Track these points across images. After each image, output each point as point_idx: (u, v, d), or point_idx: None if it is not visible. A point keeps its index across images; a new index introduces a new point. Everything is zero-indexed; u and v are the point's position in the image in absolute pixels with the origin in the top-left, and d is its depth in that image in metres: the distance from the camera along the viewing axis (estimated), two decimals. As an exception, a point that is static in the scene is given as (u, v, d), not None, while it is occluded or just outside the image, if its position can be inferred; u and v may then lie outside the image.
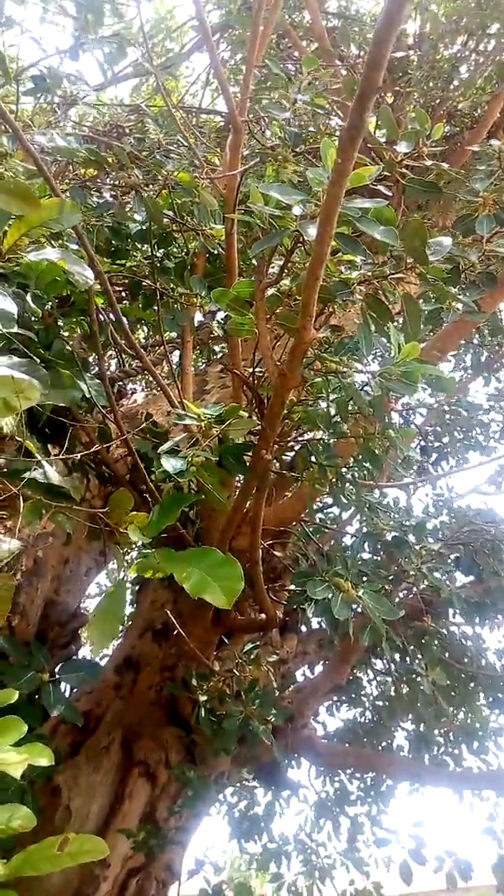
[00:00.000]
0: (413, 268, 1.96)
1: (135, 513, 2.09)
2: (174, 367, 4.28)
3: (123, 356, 6.37)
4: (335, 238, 1.68)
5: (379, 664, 6.34)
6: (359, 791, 6.39)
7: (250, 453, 2.24)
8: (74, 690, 4.31)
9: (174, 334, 5.21)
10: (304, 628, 5.56)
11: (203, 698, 3.10)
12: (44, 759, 1.56)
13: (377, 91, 1.10)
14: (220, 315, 6.38)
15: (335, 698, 6.28)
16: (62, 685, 2.84)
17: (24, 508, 1.88)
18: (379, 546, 3.65)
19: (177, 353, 5.71)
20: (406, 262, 2.01)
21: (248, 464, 2.29)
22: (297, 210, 1.78)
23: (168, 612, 3.91)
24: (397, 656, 5.33)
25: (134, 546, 2.19)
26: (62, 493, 2.05)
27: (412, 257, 1.88)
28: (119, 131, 4.05)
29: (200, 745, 3.83)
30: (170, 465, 1.98)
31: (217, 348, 6.88)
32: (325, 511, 5.62)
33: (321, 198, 1.70)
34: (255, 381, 2.29)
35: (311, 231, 1.62)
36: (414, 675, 5.39)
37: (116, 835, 3.68)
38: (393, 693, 5.94)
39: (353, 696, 6.30)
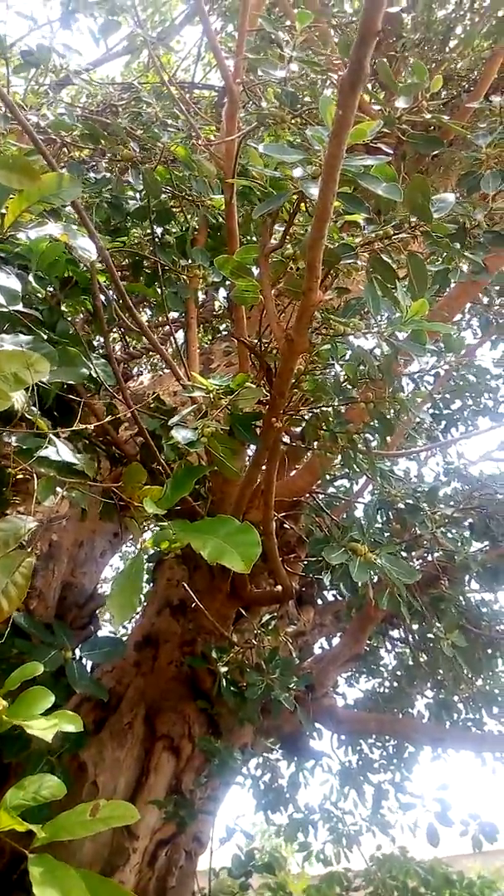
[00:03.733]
0: (417, 226, 1.94)
1: (148, 486, 2.09)
2: (179, 345, 4.27)
3: (127, 339, 6.36)
4: (338, 197, 1.66)
5: (396, 634, 6.39)
6: (381, 759, 6.46)
7: (260, 422, 2.24)
8: (94, 671, 4.36)
9: (177, 313, 5.19)
10: (319, 601, 5.60)
11: (224, 670, 3.12)
12: (72, 725, 1.59)
13: (376, 35, 1.08)
14: (224, 293, 6.36)
15: (353, 669, 6.34)
16: (85, 663, 2.87)
17: (38, 485, 1.89)
18: (392, 514, 3.65)
19: (181, 333, 5.70)
20: (410, 222, 1.99)
21: (258, 433, 2.29)
22: (297, 172, 1.76)
23: (185, 588, 3.93)
24: (415, 626, 5.36)
25: (148, 523, 2.20)
26: (75, 469, 2.06)
27: (416, 215, 1.85)
28: (112, 109, 4.01)
29: (223, 718, 3.88)
30: (181, 435, 1.98)
31: (221, 327, 6.86)
32: (335, 484, 5.62)
33: (322, 156, 1.68)
34: (263, 350, 2.28)
35: (313, 190, 1.60)
36: (432, 643, 5.44)
37: (144, 808, 3.74)
38: (411, 662, 5.99)
39: (372, 666, 6.35)
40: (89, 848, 3.60)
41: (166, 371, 6.89)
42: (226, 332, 6.72)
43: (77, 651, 2.89)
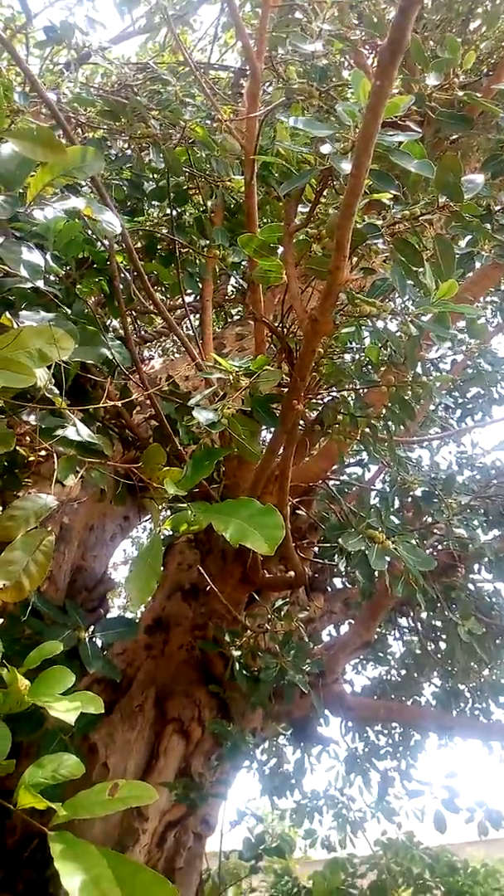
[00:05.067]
0: (446, 206, 1.90)
1: (168, 468, 2.08)
2: (194, 329, 4.24)
3: (139, 322, 6.32)
4: (368, 175, 1.62)
5: (404, 622, 6.38)
6: (387, 746, 6.48)
7: (280, 405, 2.21)
8: (105, 653, 4.38)
9: (191, 297, 5.15)
10: (329, 588, 5.59)
11: (237, 654, 3.12)
12: (93, 706, 1.58)
13: (420, 3, 1.04)
14: (235, 279, 6.32)
15: (361, 656, 6.34)
16: (98, 643, 2.87)
17: (59, 464, 1.88)
18: (407, 501, 3.62)
19: (195, 317, 5.66)
20: (438, 202, 1.95)
21: (277, 416, 2.26)
22: (325, 148, 1.72)
23: (198, 571, 3.93)
24: (423, 614, 5.35)
25: (166, 505, 2.18)
26: (95, 449, 2.05)
27: (445, 194, 1.82)
28: (128, 89, 3.96)
29: (234, 702, 3.88)
30: (202, 416, 1.96)
31: (234, 312, 6.82)
32: (347, 471, 5.60)
33: (353, 132, 1.64)
34: (283, 331, 2.25)
35: (346, 165, 1.56)
36: (441, 632, 5.43)
37: (155, 789, 3.76)
38: (419, 650, 5.99)
39: (380, 654, 6.35)
40: (100, 828, 3.62)
41: (178, 355, 6.86)
42: (238, 317, 6.68)
43: (90, 631, 2.89)
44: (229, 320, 6.66)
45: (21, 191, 1.92)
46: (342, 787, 6.35)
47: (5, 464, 2.44)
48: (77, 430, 2.03)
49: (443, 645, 5.52)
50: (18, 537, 1.66)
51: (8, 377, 1.39)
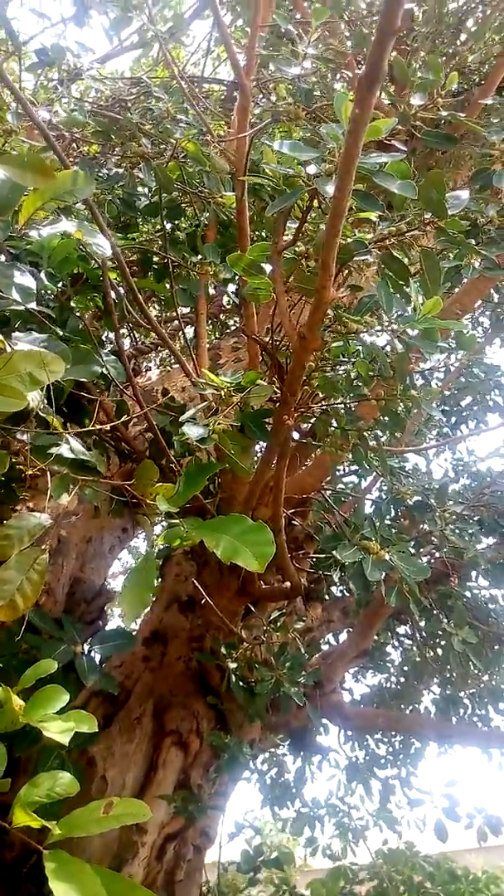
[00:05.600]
0: (431, 223, 1.93)
1: (160, 484, 2.10)
2: (189, 341, 4.27)
3: (136, 334, 6.35)
4: (352, 195, 1.66)
5: (402, 630, 6.39)
6: (387, 755, 6.47)
7: (271, 420, 2.23)
8: (103, 665, 4.39)
9: (187, 309, 5.18)
10: (327, 597, 5.60)
11: (233, 665, 3.13)
12: (86, 725, 1.60)
13: (395, 34, 1.07)
14: (233, 288, 6.37)
15: (360, 665, 6.34)
16: (96, 657, 2.89)
17: (52, 482, 1.90)
18: (401, 511, 3.64)
19: (190, 329, 5.69)
20: (424, 218, 1.98)
21: (269, 431, 2.29)
22: (311, 169, 1.75)
23: (194, 583, 3.95)
24: (422, 622, 5.36)
25: (159, 519, 2.20)
26: (88, 466, 2.07)
27: (430, 211, 1.85)
28: (122, 105, 4.00)
29: (231, 713, 3.89)
30: (192, 432, 1.99)
31: (230, 322, 6.86)
32: (343, 481, 5.62)
33: (337, 154, 1.67)
34: (274, 347, 2.28)
35: (329, 188, 1.59)
36: (439, 639, 5.44)
37: (152, 802, 3.76)
38: (418, 658, 5.99)
39: (380, 662, 6.35)
40: (98, 842, 3.62)
41: (174, 366, 6.89)
42: (234, 328, 6.72)
43: (87, 645, 2.90)
44: (226, 331, 6.70)
45: (14, 212, 1.96)
46: (343, 796, 6.33)
47: (2, 479, 2.46)
48: (70, 448, 2.06)
49: (441, 652, 5.53)
50: (13, 557, 1.68)
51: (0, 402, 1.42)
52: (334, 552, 2.59)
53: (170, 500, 2.00)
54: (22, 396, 1.47)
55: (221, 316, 6.95)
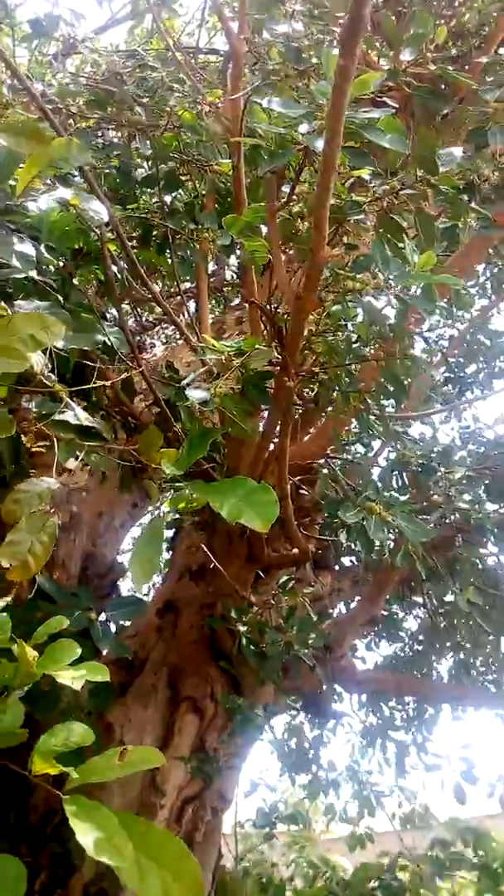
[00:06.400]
0: (424, 180, 1.94)
1: (165, 449, 2.14)
2: (192, 314, 4.29)
3: (140, 310, 6.37)
4: (343, 152, 1.67)
5: (415, 599, 6.43)
6: (402, 722, 6.54)
7: (272, 382, 2.26)
8: (117, 636, 4.47)
9: (189, 284, 5.19)
10: (337, 567, 5.66)
11: (244, 629, 3.20)
12: (99, 675, 1.66)
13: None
14: (234, 262, 6.37)
15: (373, 634, 6.41)
16: (111, 626, 2.95)
17: (59, 447, 1.94)
18: (407, 476, 3.68)
19: (192, 304, 5.70)
20: (416, 175, 1.99)
21: (270, 394, 2.32)
22: (303, 128, 1.76)
23: (204, 551, 4.01)
24: (431, 590, 5.40)
25: (167, 486, 2.24)
26: (94, 432, 2.11)
27: (422, 168, 1.85)
28: (118, 78, 3.98)
29: (245, 678, 3.97)
30: (195, 395, 2.02)
31: (234, 298, 6.86)
32: (351, 450, 5.64)
33: (326, 110, 1.68)
34: (274, 312, 2.30)
35: (319, 143, 1.60)
36: (450, 606, 5.48)
37: (170, 765, 3.86)
38: (430, 626, 6.04)
39: (392, 631, 6.41)
40: (117, 804, 3.72)
41: (178, 342, 6.91)
42: (237, 302, 6.73)
43: (102, 614, 2.97)
44: (229, 306, 6.70)
45: (12, 184, 1.98)
46: (358, 759, 6.41)
47: (13, 452, 2.50)
48: (75, 414, 2.10)
49: (454, 620, 5.58)
50: (23, 519, 1.73)
51: (2, 363, 1.46)
52: (338, 514, 2.63)
53: (175, 464, 2.04)
54: (24, 357, 1.51)
55: (224, 291, 6.94)
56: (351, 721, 6.01)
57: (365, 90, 1.67)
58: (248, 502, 1.79)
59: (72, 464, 2.20)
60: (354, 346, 2.33)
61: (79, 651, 1.67)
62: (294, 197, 2.13)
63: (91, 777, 1.65)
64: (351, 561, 5.70)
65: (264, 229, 2.16)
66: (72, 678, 1.56)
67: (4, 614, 1.72)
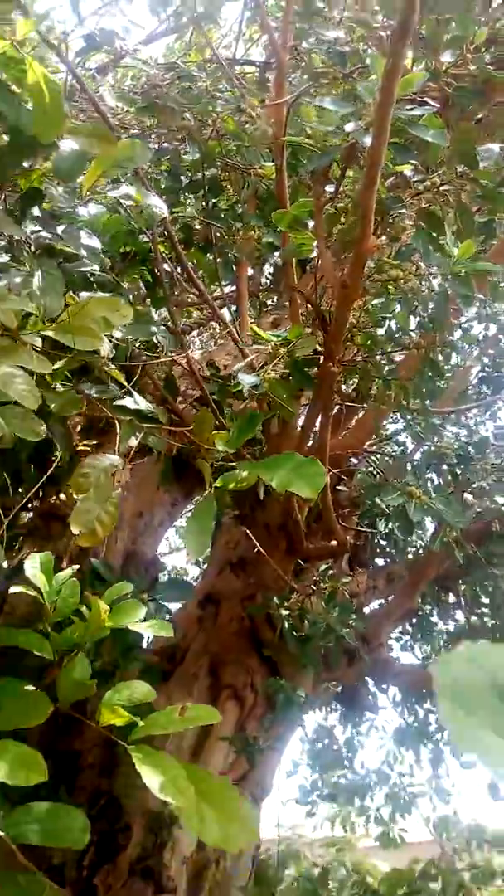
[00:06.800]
0: (464, 175, 2.05)
1: (216, 431, 2.27)
2: (232, 313, 4.44)
3: (176, 318, 6.51)
4: (388, 147, 1.79)
5: (451, 598, 6.45)
6: (437, 723, 6.55)
7: (317, 370, 2.38)
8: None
9: (229, 288, 5.35)
10: (371, 566, 5.73)
11: (285, 613, 3.31)
12: (164, 631, 1.79)
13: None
14: (269, 269, 6.54)
15: (409, 635, 6.44)
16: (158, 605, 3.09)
17: (121, 428, 2.09)
18: (445, 469, 3.76)
19: (231, 307, 5.86)
20: (456, 170, 2.10)
21: (314, 380, 2.44)
22: (349, 126, 1.89)
23: (246, 540, 4.14)
24: (466, 592, 5.43)
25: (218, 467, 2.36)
26: (151, 416, 2.26)
27: (462, 162, 1.96)
28: (162, 88, 4.17)
29: (284, 667, 4.07)
30: (246, 380, 2.15)
31: (268, 301, 7.00)
32: (384, 449, 5.71)
33: (373, 108, 1.80)
34: (318, 301, 2.43)
35: (367, 139, 1.73)
36: (486, 608, 5.51)
37: (211, 753, 3.98)
38: (467, 627, 6.06)
39: (428, 633, 6.42)
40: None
41: (215, 347, 7.07)
42: (272, 306, 6.87)
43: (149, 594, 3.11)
44: (264, 309, 6.85)
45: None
46: (391, 762, 6.43)
47: (67, 440, 2.66)
48: (134, 400, 2.25)
49: (489, 621, 5.60)
50: (90, 490, 1.88)
51: (80, 342, 1.60)
52: (378, 499, 2.73)
53: (227, 444, 2.17)
54: (99, 337, 1.65)
55: (260, 295, 7.09)
56: (384, 724, 6.06)
57: (409, 89, 1.79)
58: (296, 473, 1.90)
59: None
60: (395, 335, 2.44)
61: (144, 612, 1.80)
62: (338, 195, 2.26)
63: (154, 728, 1.78)
64: (385, 560, 5.77)
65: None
66: (142, 628, 1.69)
67: (74, 579, 1.86)
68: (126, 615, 1.78)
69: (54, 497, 4.52)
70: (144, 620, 1.84)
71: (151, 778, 1.62)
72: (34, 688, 1.87)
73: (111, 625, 1.74)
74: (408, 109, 1.84)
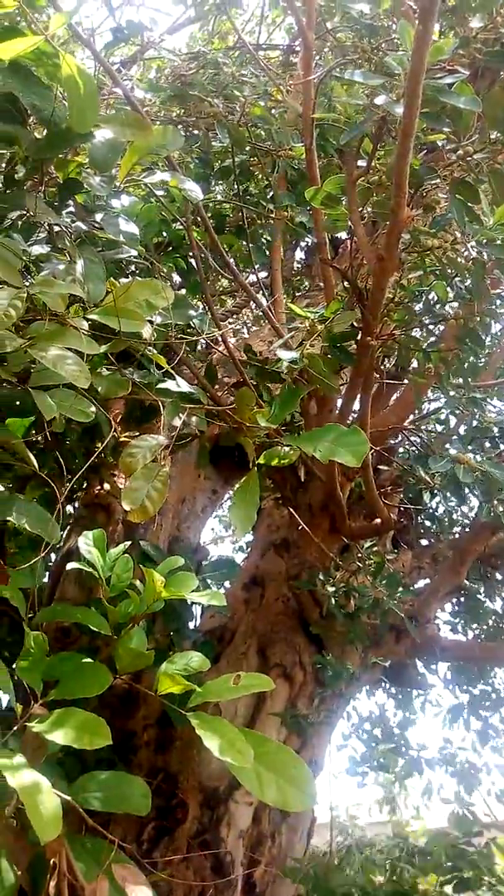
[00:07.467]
0: (497, 141, 2.04)
1: (258, 409, 2.31)
2: (267, 297, 4.47)
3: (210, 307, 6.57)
4: (420, 117, 1.79)
5: (498, 576, 6.38)
6: (491, 698, 6.48)
7: (355, 345, 2.40)
8: (206, 610, 4.69)
9: (263, 274, 5.38)
10: (415, 547, 5.72)
11: (331, 590, 3.35)
12: (216, 600, 1.84)
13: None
14: (301, 256, 6.55)
15: (457, 614, 6.39)
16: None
17: (166, 409, 2.15)
18: (487, 442, 3.74)
19: (264, 292, 5.89)
20: (490, 138, 2.09)
21: (353, 356, 2.46)
22: (380, 99, 1.89)
23: (289, 518, 4.18)
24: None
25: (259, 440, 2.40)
26: (193, 398, 2.31)
27: (494, 128, 1.95)
28: (182, 80, 4.21)
29: (332, 644, 4.12)
30: (286, 356, 2.18)
31: (301, 287, 7.01)
32: (425, 428, 5.68)
33: (403, 79, 1.81)
34: (354, 275, 2.44)
35: (398, 109, 1.74)
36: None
37: (262, 731, 4.05)
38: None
39: (476, 612, 6.36)
40: (217, 765, 3.94)
41: (247, 335, 7.12)
42: (305, 291, 6.88)
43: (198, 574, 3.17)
44: (297, 294, 6.86)
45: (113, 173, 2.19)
46: (450, 739, 6.37)
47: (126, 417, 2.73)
48: (176, 383, 2.30)
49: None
50: (139, 469, 1.94)
51: (124, 324, 1.65)
52: (423, 471, 2.74)
53: (268, 420, 2.21)
54: (142, 319, 1.70)
55: (293, 280, 7.10)
56: (439, 698, 6.04)
57: (440, 56, 1.79)
58: (339, 444, 1.93)
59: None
60: (433, 307, 2.44)
61: (196, 582, 1.86)
62: (370, 169, 2.26)
63: (209, 696, 1.84)
64: (430, 541, 5.75)
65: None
66: (198, 596, 1.75)
67: (127, 555, 1.93)
68: (181, 585, 1.84)
69: (99, 487, 4.63)
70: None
71: (211, 741, 1.68)
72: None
73: (167, 595, 1.81)
74: (438, 78, 1.84)
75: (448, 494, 2.98)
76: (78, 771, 2.05)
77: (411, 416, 4.12)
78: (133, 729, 3.99)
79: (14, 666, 1.87)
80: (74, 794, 1.91)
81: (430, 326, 2.57)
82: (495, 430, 3.55)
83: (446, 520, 4.35)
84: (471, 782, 6.15)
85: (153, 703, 3.83)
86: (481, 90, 2.32)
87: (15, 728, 1.76)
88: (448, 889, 3.78)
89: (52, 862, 1.66)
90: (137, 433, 3.13)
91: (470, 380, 3.20)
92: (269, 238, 3.86)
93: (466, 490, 2.56)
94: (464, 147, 2.09)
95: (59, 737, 1.65)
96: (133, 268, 2.45)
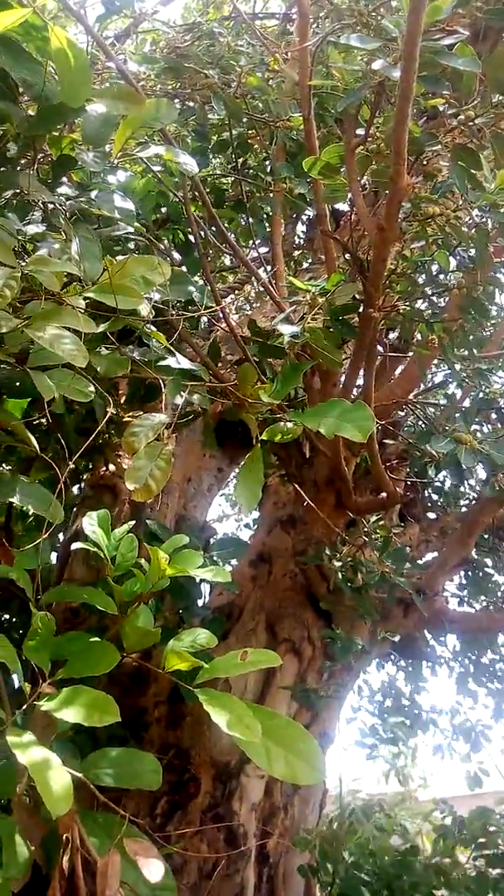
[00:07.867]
0: (500, 104, 1.99)
1: (260, 385, 2.30)
2: (268, 272, 4.42)
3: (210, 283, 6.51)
4: (419, 81, 1.75)
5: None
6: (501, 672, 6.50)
7: (357, 315, 2.37)
8: (213, 588, 4.71)
9: (264, 250, 5.32)
10: (422, 521, 5.71)
11: (338, 564, 3.35)
12: (220, 577, 1.84)
13: None
14: (302, 229, 6.46)
15: (465, 588, 6.40)
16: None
17: (167, 386, 2.13)
18: (494, 414, 3.71)
19: (265, 268, 5.83)
20: (492, 101, 2.04)
21: (356, 329, 2.43)
22: (377, 64, 1.85)
23: (295, 495, 4.18)
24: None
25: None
26: (195, 375, 2.29)
27: (496, 90, 1.91)
28: (178, 53, 4.12)
29: (340, 619, 4.13)
30: (287, 330, 2.16)
31: (304, 262, 6.94)
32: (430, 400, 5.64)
33: (400, 41, 1.76)
34: (355, 246, 2.40)
35: (395, 72, 1.69)
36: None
37: (272, 705, 4.08)
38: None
39: (485, 584, 6.36)
40: (228, 740, 3.98)
41: (249, 312, 7.06)
42: (306, 267, 6.80)
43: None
44: (298, 269, 6.79)
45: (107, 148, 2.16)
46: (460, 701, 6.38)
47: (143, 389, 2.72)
48: (177, 360, 2.28)
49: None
50: (141, 448, 1.93)
51: (122, 301, 1.63)
52: (427, 446, 2.72)
53: (270, 396, 2.19)
54: (139, 296, 1.68)
55: (294, 254, 7.03)
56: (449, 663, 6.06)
57: (438, 15, 1.73)
58: (344, 419, 1.92)
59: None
60: (437, 277, 2.41)
61: (201, 559, 1.86)
62: (369, 137, 2.22)
63: (217, 672, 1.85)
64: (437, 514, 5.74)
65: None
66: (203, 574, 1.75)
67: (132, 535, 1.93)
68: (186, 563, 1.84)
69: (104, 468, 4.63)
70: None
71: (219, 716, 1.69)
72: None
73: (172, 573, 1.81)
74: (436, 39, 1.79)
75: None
76: (90, 748, 2.08)
77: (416, 390, 4.08)
78: (144, 706, 4.04)
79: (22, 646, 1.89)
80: (86, 770, 1.93)
81: (434, 297, 2.53)
82: (501, 402, 3.53)
83: (452, 494, 4.33)
84: (477, 740, 6.17)
85: (163, 680, 3.87)
86: (483, 52, 2.26)
87: (24, 707, 1.77)
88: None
89: (64, 837, 1.69)
90: (141, 412, 3.12)
91: (475, 351, 3.17)
92: (269, 212, 3.81)
93: (467, 468, 2.54)
94: (465, 111, 2.05)
95: (69, 715, 1.66)
96: (132, 245, 2.42)
